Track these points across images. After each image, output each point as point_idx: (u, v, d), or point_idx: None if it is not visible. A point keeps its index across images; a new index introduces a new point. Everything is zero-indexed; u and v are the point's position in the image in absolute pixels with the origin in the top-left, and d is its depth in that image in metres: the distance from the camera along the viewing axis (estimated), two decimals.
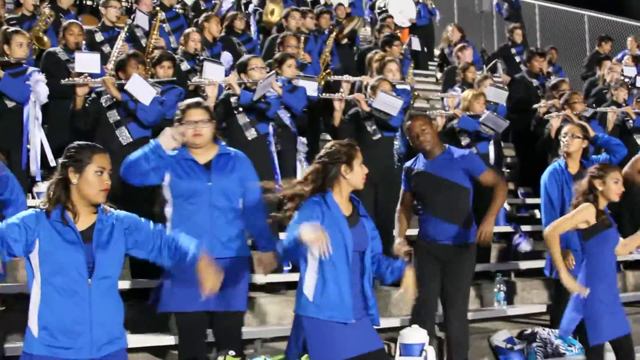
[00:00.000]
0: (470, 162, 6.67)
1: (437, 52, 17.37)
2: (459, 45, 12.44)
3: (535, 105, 10.47)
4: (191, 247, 4.46)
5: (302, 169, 8.66)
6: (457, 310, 6.70)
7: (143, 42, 10.57)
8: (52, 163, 7.89)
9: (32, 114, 7.78)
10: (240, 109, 7.94)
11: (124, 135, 7.36)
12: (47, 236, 4.16)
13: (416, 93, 10.96)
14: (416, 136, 6.60)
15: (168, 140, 5.26)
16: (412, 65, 11.84)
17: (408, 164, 6.87)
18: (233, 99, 7.96)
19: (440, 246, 6.62)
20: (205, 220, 5.44)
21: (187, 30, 10.08)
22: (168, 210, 5.53)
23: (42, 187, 8.53)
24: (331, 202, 4.90)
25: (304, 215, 4.80)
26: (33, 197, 8.51)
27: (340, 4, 15.37)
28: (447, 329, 6.78)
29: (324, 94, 8.89)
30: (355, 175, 4.98)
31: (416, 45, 13.92)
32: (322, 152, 5.03)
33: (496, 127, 9.03)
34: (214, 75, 8.52)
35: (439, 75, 14.92)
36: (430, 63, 17.32)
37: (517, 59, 13.80)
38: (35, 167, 7.84)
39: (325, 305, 4.80)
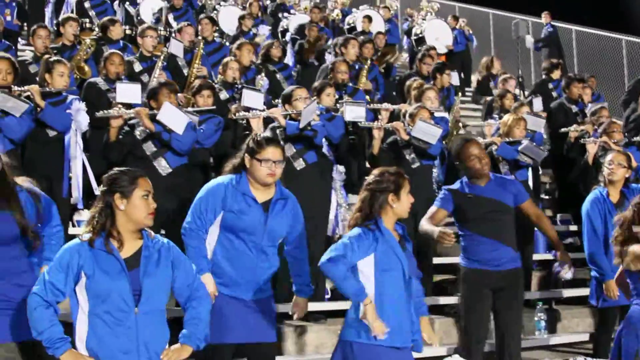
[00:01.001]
0: (518, 188, 6.67)
1: (474, 78, 17.36)
2: (504, 76, 12.42)
3: (563, 130, 10.42)
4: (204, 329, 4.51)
5: (338, 198, 8.61)
6: (517, 340, 6.65)
7: (185, 71, 10.64)
8: (97, 191, 7.91)
9: (74, 142, 7.84)
10: (286, 140, 7.94)
11: (162, 166, 7.37)
12: (91, 267, 4.19)
13: (461, 124, 10.91)
14: (477, 159, 6.52)
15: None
16: (459, 96, 11.80)
17: (454, 187, 6.67)
18: (279, 131, 7.97)
19: (494, 272, 6.48)
20: (252, 262, 5.33)
21: (225, 60, 10.14)
22: (210, 241, 5.42)
23: (83, 215, 8.60)
24: (384, 228, 4.97)
25: (358, 241, 4.90)
26: (74, 225, 8.59)
27: (379, 33, 15.40)
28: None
29: (363, 122, 8.86)
30: (402, 204, 5.03)
31: (455, 80, 13.89)
32: (371, 179, 5.07)
33: (535, 157, 8.96)
34: (253, 102, 8.56)
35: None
36: (467, 89, 17.29)
37: (554, 94, 13.69)
38: (77, 195, 7.89)
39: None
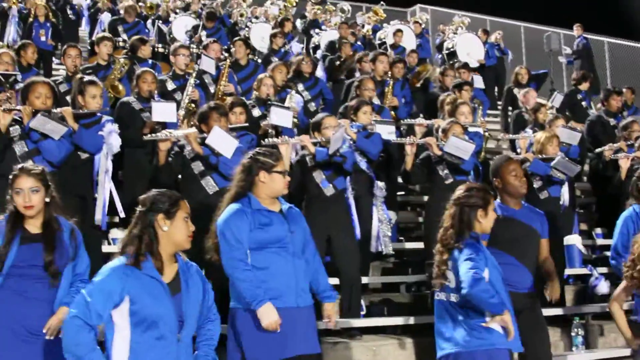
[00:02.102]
0: (544, 222, 6.64)
1: None
2: (525, 90, 12.38)
3: (598, 150, 10.35)
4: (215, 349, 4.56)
5: (379, 214, 8.60)
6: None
7: (212, 88, 10.68)
8: (122, 214, 7.97)
9: (103, 165, 7.86)
10: (315, 167, 7.97)
11: (210, 185, 7.36)
12: (137, 292, 4.19)
13: (487, 134, 10.87)
14: (517, 178, 6.50)
15: None
16: (482, 107, 11.77)
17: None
18: (308, 158, 7.98)
19: (516, 294, 6.31)
20: (290, 269, 5.38)
21: (260, 76, 10.13)
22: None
23: (118, 233, 8.64)
24: (481, 244, 5.23)
25: (478, 257, 5.14)
26: (109, 243, 8.63)
27: (412, 51, 15.40)
28: None
29: (395, 139, 8.86)
30: (489, 220, 5.24)
31: (479, 83, 13.84)
32: (460, 194, 5.14)
33: (568, 172, 8.88)
34: (281, 120, 8.58)
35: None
36: (499, 103, 17.24)
37: (584, 104, 13.61)
38: (100, 216, 7.90)
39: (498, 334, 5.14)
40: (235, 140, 7.34)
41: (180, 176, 7.64)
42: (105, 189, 7.78)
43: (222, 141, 7.29)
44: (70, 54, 10.06)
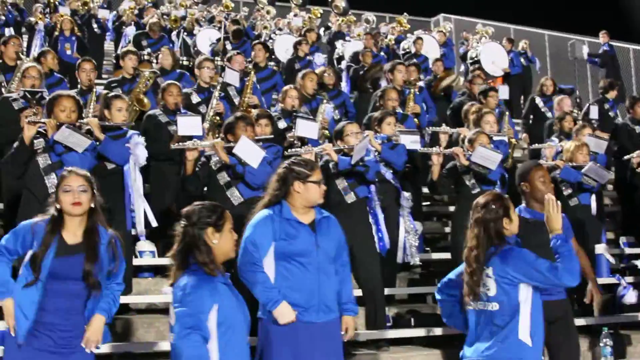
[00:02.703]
0: (568, 224, 6.55)
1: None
2: (560, 97, 12.33)
3: (626, 157, 10.27)
4: None
5: (405, 224, 8.58)
6: None
7: (236, 100, 10.70)
8: (154, 223, 8.01)
9: (133, 177, 7.91)
10: (338, 175, 7.99)
11: (235, 196, 7.39)
12: (226, 302, 4.32)
13: (514, 141, 10.82)
14: (547, 183, 6.45)
15: None
16: (507, 114, 11.72)
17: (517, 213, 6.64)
18: (331, 164, 8.00)
19: (548, 302, 6.32)
20: (314, 284, 5.35)
21: (285, 88, 10.14)
22: (269, 274, 5.37)
23: (145, 246, 8.67)
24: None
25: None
26: (136, 257, 8.66)
27: (437, 60, 15.38)
28: None
29: (421, 149, 8.84)
30: (514, 223, 5.28)
31: (504, 93, 13.80)
32: (480, 213, 5.19)
33: (599, 179, 8.84)
34: (307, 132, 8.58)
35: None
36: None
37: (611, 113, 13.52)
38: (141, 228, 7.96)
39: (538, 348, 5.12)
40: (262, 150, 7.37)
41: (205, 187, 7.65)
42: (140, 200, 7.84)
43: (249, 151, 7.32)
44: (85, 67, 10.04)
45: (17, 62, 10.07)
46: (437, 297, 5.55)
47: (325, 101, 10.67)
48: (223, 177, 7.48)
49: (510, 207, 5.20)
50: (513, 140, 10.91)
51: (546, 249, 6.23)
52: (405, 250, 8.58)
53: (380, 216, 8.27)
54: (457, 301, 5.36)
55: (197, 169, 7.48)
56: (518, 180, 6.56)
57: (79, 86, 10.04)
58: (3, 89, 9.66)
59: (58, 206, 5.08)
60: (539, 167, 6.60)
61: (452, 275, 5.47)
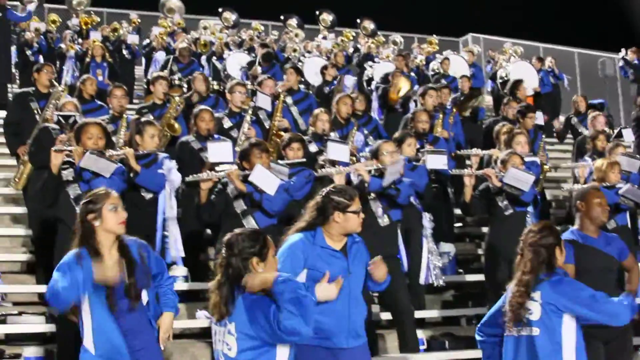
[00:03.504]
0: (622, 245, 6.49)
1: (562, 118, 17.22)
2: (594, 114, 12.26)
3: None
4: None
5: (428, 245, 8.52)
6: None
7: (267, 124, 10.72)
8: (181, 253, 8.04)
9: (168, 201, 7.95)
10: (373, 196, 7.96)
11: (251, 224, 7.36)
12: None
13: (547, 167, 10.76)
14: (604, 207, 6.37)
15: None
16: (544, 138, 11.65)
17: (569, 236, 6.44)
18: (366, 185, 7.96)
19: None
20: (345, 310, 5.30)
21: (315, 111, 10.11)
22: None
23: (177, 271, 8.68)
24: None
25: None
26: None
27: (464, 76, 15.35)
28: None
29: (454, 170, 8.80)
30: (563, 256, 5.31)
31: (539, 119, 13.71)
32: (533, 237, 5.19)
33: (637, 199, 8.75)
34: (338, 155, 8.56)
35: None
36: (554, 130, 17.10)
37: None
38: (175, 253, 7.98)
39: None
40: (277, 178, 7.36)
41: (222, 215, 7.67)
42: (175, 225, 7.87)
43: (265, 178, 7.31)
44: (116, 94, 10.10)
45: (50, 89, 10.15)
46: (478, 338, 5.51)
47: (356, 128, 10.65)
48: (240, 206, 7.49)
49: (561, 239, 5.21)
50: (546, 167, 10.85)
51: (594, 274, 6.20)
52: (429, 271, 8.52)
53: (400, 240, 8.23)
54: (498, 343, 5.33)
55: (212, 197, 7.51)
56: (575, 200, 6.51)
57: (110, 112, 10.12)
58: (37, 116, 9.74)
59: (97, 223, 5.06)
60: (595, 190, 6.57)
61: (492, 311, 5.43)
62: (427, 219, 8.65)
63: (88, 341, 5.02)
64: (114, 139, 9.14)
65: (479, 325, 5.52)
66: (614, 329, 6.12)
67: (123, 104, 10.12)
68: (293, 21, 22.58)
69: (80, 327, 5.06)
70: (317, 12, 22.43)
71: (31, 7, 16.98)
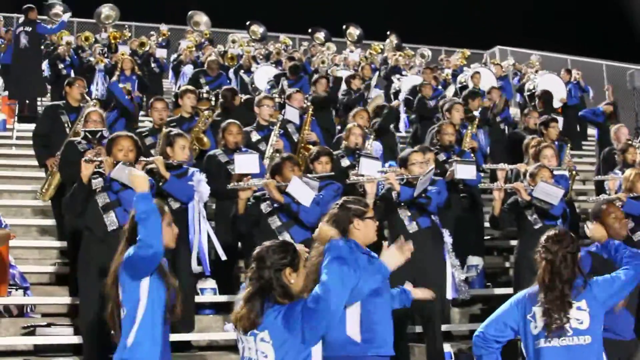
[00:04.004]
0: None
1: (590, 131, 17.15)
2: (616, 126, 12.19)
3: None
4: None
5: (451, 260, 8.47)
6: None
7: (295, 137, 10.74)
8: (223, 257, 8.07)
9: (197, 213, 8.00)
10: (402, 204, 7.96)
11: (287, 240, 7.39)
12: None
13: (574, 173, 10.70)
14: (620, 220, 6.35)
15: None
16: (568, 145, 11.59)
17: (591, 249, 6.42)
18: (393, 194, 7.99)
19: (623, 343, 6.12)
20: (389, 316, 5.34)
21: (349, 125, 10.02)
22: (354, 312, 5.25)
23: (206, 283, 8.73)
24: None
25: None
26: (197, 294, 8.71)
27: (493, 87, 15.32)
28: None
29: (483, 184, 8.78)
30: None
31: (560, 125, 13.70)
32: (546, 248, 5.18)
33: None
34: (370, 170, 8.56)
35: None
36: (584, 143, 17.01)
37: None
38: (204, 264, 8.02)
39: None
40: (312, 190, 7.41)
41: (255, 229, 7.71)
42: (204, 234, 7.90)
43: (301, 190, 7.39)
44: (157, 107, 10.19)
45: (80, 103, 10.24)
46: (479, 344, 5.36)
47: (372, 138, 10.62)
48: (274, 222, 7.55)
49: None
50: (573, 172, 10.79)
51: None
52: (455, 285, 8.48)
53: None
54: (498, 351, 5.30)
55: (247, 208, 7.56)
56: (591, 218, 6.47)
57: (150, 125, 10.20)
58: (67, 129, 9.82)
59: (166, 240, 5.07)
60: (611, 204, 6.53)
61: (501, 314, 5.33)
62: (447, 235, 8.61)
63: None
64: (152, 151, 9.22)
65: (480, 330, 5.36)
66: (628, 348, 6.11)
67: (164, 116, 10.19)
68: (321, 34, 22.66)
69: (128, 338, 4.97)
70: (344, 27, 22.48)
71: (65, 17, 17.17)
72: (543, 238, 5.25)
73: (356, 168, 8.90)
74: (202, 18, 22.09)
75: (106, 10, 20.28)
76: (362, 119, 10.82)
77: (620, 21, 26.54)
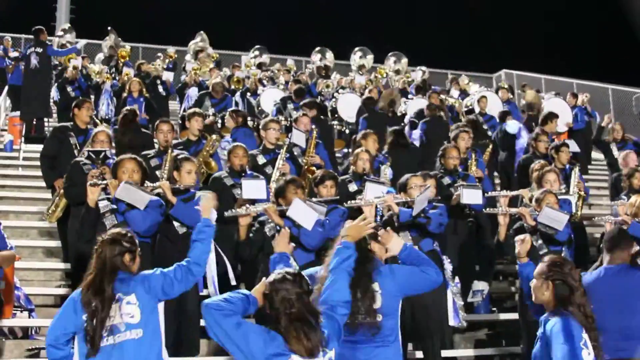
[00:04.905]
0: None
1: (594, 155, 17.17)
2: (625, 152, 12.19)
3: None
4: None
5: (452, 287, 8.43)
6: None
7: (301, 160, 10.74)
8: (233, 282, 8.06)
9: None
10: (400, 228, 7.96)
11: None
12: None
13: (582, 194, 10.67)
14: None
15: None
16: (577, 167, 11.57)
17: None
18: (395, 218, 8.00)
19: None
20: None
21: (357, 151, 10.03)
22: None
23: None
24: None
25: None
26: (202, 318, 8.67)
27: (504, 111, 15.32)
28: None
29: (488, 209, 8.76)
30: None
31: (573, 147, 13.62)
32: (551, 268, 5.16)
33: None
34: (374, 194, 8.55)
35: None
36: (590, 167, 17.01)
37: None
38: (213, 288, 8.01)
39: None
40: (314, 213, 7.40)
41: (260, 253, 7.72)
42: (212, 260, 7.90)
43: (303, 213, 7.40)
44: (162, 128, 10.23)
45: (88, 125, 10.29)
46: None
47: (388, 164, 10.63)
48: None
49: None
50: (582, 193, 10.78)
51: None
52: (456, 311, 8.45)
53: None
54: None
55: (250, 234, 7.56)
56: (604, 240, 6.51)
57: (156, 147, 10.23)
58: (75, 151, 9.85)
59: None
60: (623, 230, 6.55)
61: None
62: (447, 261, 8.59)
63: None
64: (158, 173, 9.23)
65: None
66: None
67: (169, 138, 10.23)
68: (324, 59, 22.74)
69: None
70: (354, 52, 22.56)
71: (78, 45, 17.31)
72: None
73: (363, 193, 8.89)
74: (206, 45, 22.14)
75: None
76: (375, 142, 10.89)
77: (627, 45, 26.60)
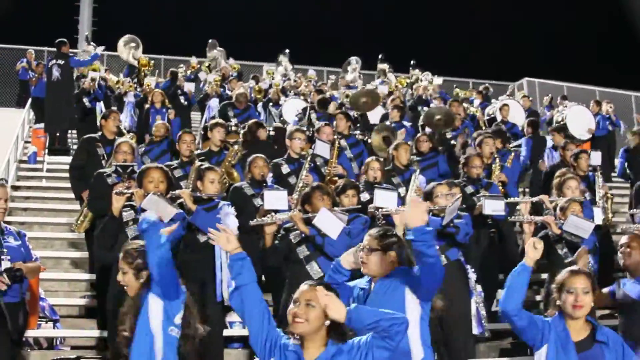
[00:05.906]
0: None
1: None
2: None
3: None
4: None
5: (475, 296, 8.39)
6: None
7: (323, 170, 10.75)
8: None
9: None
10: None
11: (314, 270, 7.39)
12: None
13: (609, 195, 10.61)
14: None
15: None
16: (599, 173, 11.50)
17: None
18: None
19: None
20: None
21: (367, 160, 10.09)
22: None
23: (235, 316, 8.70)
24: None
25: None
26: (225, 327, 8.69)
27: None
28: None
29: (513, 217, 8.72)
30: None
31: (596, 159, 13.51)
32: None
33: None
34: (386, 202, 8.53)
35: None
36: (613, 175, 16.89)
37: None
38: (227, 295, 8.01)
39: None
40: (341, 222, 7.36)
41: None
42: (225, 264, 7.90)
43: (329, 222, 7.32)
44: (185, 139, 10.27)
45: (116, 136, 10.34)
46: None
47: (418, 172, 10.60)
48: (303, 251, 7.52)
49: None
50: (609, 194, 10.70)
51: None
52: (481, 321, 8.41)
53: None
54: None
55: (275, 242, 7.55)
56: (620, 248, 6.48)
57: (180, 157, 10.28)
58: (103, 162, 9.91)
59: None
60: (634, 236, 6.49)
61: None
62: (471, 271, 8.55)
63: None
64: (183, 184, 9.25)
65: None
66: None
67: (192, 149, 10.30)
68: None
69: None
70: (379, 59, 22.61)
71: (98, 50, 17.40)
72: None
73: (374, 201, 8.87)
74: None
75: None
76: (407, 152, 11.00)
77: None
